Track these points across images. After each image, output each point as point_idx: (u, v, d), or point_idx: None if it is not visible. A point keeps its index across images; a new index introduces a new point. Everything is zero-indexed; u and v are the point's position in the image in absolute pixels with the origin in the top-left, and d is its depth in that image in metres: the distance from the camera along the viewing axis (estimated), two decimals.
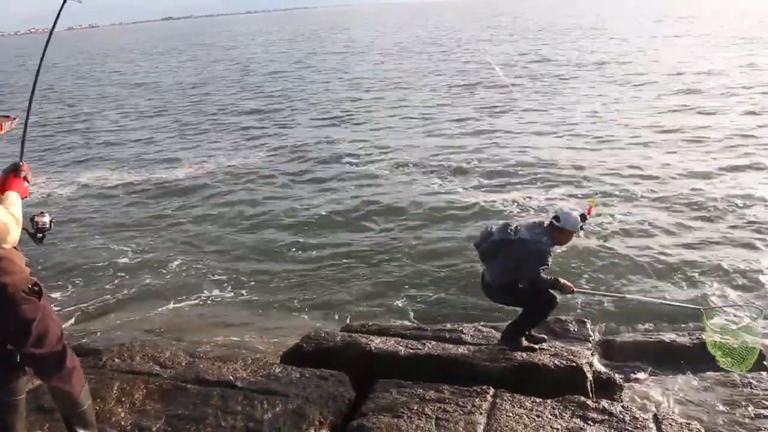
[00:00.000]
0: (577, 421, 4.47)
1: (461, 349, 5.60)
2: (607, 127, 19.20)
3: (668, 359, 6.33)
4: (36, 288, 3.45)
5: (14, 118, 3.91)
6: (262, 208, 13.74)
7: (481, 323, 6.31)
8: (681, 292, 8.72)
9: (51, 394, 3.81)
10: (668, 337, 6.75)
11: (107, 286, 10.01)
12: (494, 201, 12.85)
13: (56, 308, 8.39)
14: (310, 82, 36.41)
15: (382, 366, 5.37)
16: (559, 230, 5.28)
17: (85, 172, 17.88)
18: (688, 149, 15.99)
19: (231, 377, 5.06)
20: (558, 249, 5.58)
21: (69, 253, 11.51)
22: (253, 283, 9.92)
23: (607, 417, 4.50)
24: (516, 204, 12.63)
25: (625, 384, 5.77)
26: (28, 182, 3.67)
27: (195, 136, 22.67)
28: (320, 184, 15.33)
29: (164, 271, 10.54)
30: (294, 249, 11.24)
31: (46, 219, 3.71)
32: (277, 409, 4.59)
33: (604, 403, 4.70)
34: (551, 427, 4.42)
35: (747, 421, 5.09)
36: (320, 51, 61.09)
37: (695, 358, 6.16)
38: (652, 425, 4.43)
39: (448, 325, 6.27)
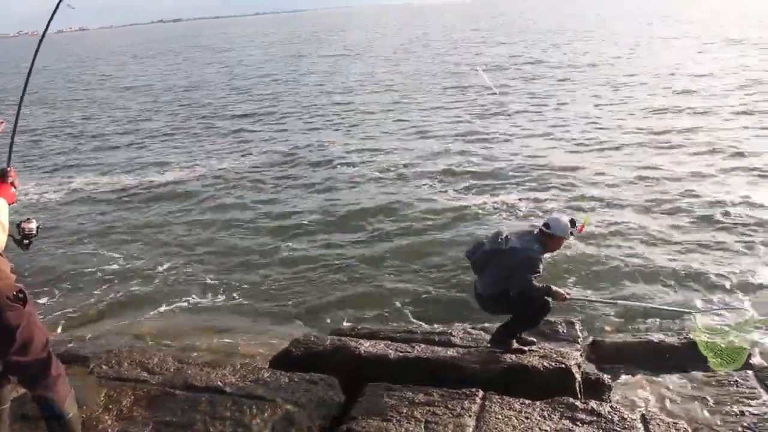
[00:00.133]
0: (566, 422, 4.49)
1: (450, 352, 5.61)
2: (598, 129, 19.28)
3: (656, 359, 6.38)
4: (21, 295, 3.43)
5: (1, 122, 3.89)
6: (252, 212, 13.71)
7: (471, 325, 6.33)
8: (671, 295, 8.76)
9: (35, 402, 3.77)
10: (656, 337, 6.81)
11: (95, 292, 9.95)
12: (485, 204, 12.87)
13: (43, 315, 8.39)
14: (303, 85, 36.41)
15: (371, 369, 5.37)
16: (549, 237, 5.32)
17: (75, 177, 17.79)
18: (677, 152, 16.03)
19: (220, 383, 5.04)
20: (548, 255, 5.60)
21: (57, 258, 11.45)
22: (242, 287, 9.89)
23: (595, 418, 4.52)
24: (506, 207, 12.64)
25: (614, 384, 5.81)
26: (15, 188, 3.66)
27: (185, 139, 22.62)
28: (311, 188, 15.30)
29: (153, 276, 10.50)
30: (284, 253, 11.22)
31: (33, 225, 3.69)
32: (266, 414, 4.58)
33: (593, 403, 4.72)
34: (540, 428, 4.43)
35: (733, 419, 5.14)
36: (313, 53, 61.10)
37: (683, 358, 6.21)
38: (640, 425, 4.45)
39: (438, 328, 6.29)
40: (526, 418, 4.55)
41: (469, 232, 11.33)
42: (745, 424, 5.05)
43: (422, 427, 4.47)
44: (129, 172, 18.11)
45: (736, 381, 5.65)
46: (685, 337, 6.68)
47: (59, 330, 8.54)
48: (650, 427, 4.44)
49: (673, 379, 5.90)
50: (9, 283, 3.39)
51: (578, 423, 4.47)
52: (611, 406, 4.71)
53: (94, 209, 14.63)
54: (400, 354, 5.57)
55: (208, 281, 10.15)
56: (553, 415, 4.56)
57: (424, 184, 14.73)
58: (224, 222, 13.11)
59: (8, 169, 3.65)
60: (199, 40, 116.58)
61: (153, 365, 5.38)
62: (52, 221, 13.47)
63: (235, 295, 9.68)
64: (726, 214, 11.45)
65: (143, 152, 20.93)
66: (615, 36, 53.62)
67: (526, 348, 5.54)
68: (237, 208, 14.03)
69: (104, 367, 5.37)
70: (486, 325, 6.19)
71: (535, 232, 5.41)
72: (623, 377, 6.13)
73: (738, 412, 5.21)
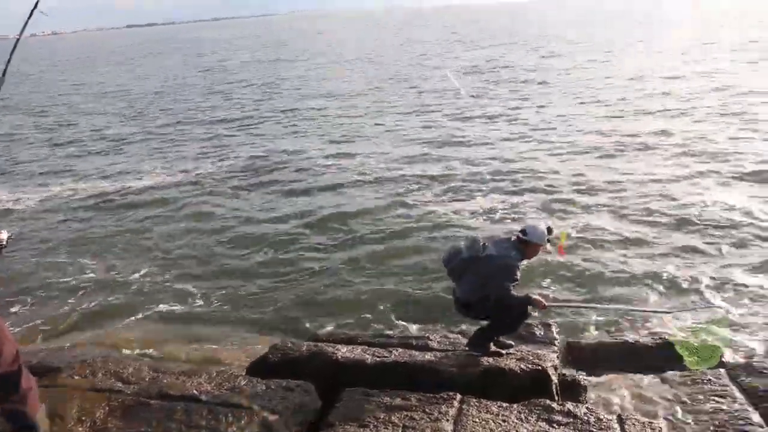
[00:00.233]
0: (543, 424, 4.51)
1: (428, 356, 5.61)
2: (574, 132, 19.46)
3: (632, 360, 6.46)
4: None
5: None
6: (229, 218, 13.62)
7: (449, 329, 6.35)
8: (646, 297, 8.85)
9: (4, 416, 3.70)
10: (631, 338, 6.90)
11: (70, 301, 9.82)
12: (462, 209, 12.90)
13: (14, 326, 8.26)
14: (279, 89, 36.27)
15: (348, 375, 5.35)
16: (526, 243, 5.36)
17: (50, 184, 17.55)
18: (649, 155, 16.22)
19: (195, 391, 4.98)
20: (525, 263, 5.63)
21: (30, 267, 11.27)
22: (220, 294, 9.82)
23: (572, 419, 4.55)
24: (482, 212, 12.69)
25: (590, 385, 5.86)
26: None
27: (161, 145, 22.44)
28: (288, 193, 15.25)
29: (129, 284, 10.38)
30: (261, 259, 11.16)
31: (3, 236, 3.65)
32: (243, 422, 4.53)
33: (570, 405, 4.75)
34: (517, 431, 4.45)
35: (707, 417, 5.20)
36: (291, 58, 60.90)
37: (658, 358, 6.31)
38: (616, 425, 4.49)
39: (415, 332, 6.31)
40: (504, 421, 4.57)
41: (445, 236, 11.35)
42: (719, 421, 5.12)
43: (400, 431, 4.47)
44: (105, 178, 17.93)
45: (710, 379, 5.72)
46: (660, 338, 6.79)
47: (32, 341, 8.39)
48: (626, 427, 4.48)
49: (648, 379, 5.96)
50: None
51: (555, 425, 4.49)
52: (587, 408, 4.75)
53: (70, 217, 14.44)
54: (378, 359, 5.56)
55: (185, 288, 10.05)
56: (530, 418, 4.59)
57: (401, 189, 14.74)
58: (201, 228, 13.00)
59: None
60: (169, 45, 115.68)
61: (128, 375, 5.30)
62: (26, 229, 13.28)
63: (212, 302, 9.60)
64: (698, 215, 11.61)
65: (119, 158, 20.72)
66: (594, 41, 54.22)
67: (503, 351, 5.56)
68: (214, 214, 13.93)
69: (77, 377, 5.28)
70: (463, 328, 6.22)
71: (512, 239, 5.43)
72: (600, 378, 6.18)
73: (711, 410, 5.28)
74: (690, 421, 5.20)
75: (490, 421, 4.56)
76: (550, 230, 5.41)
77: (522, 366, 5.31)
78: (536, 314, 5.67)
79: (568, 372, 5.92)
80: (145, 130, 25.60)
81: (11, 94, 42.89)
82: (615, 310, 7.98)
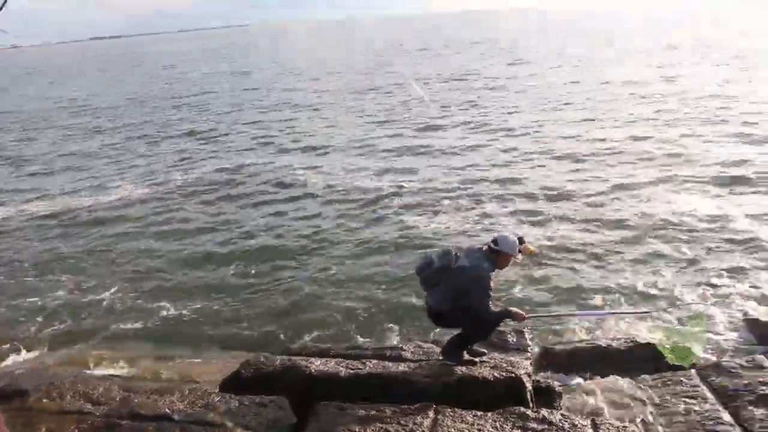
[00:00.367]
0: None
1: (402, 367, 5.58)
2: (540, 140, 19.69)
3: (604, 364, 6.54)
4: None
5: None
6: (198, 234, 13.47)
7: (422, 339, 6.34)
8: (620, 301, 8.95)
9: None
10: (604, 342, 6.96)
11: (38, 320, 9.64)
12: (432, 220, 12.96)
13: None
14: (245, 102, 35.98)
15: (321, 389, 5.30)
16: (497, 254, 5.34)
17: (13, 204, 17.12)
18: (615, 162, 16.42)
19: (168, 410, 4.90)
20: (497, 273, 5.63)
21: None
22: (191, 310, 9.70)
23: (546, 426, 4.57)
24: (452, 222, 12.71)
25: (564, 390, 5.89)
26: None
27: (129, 159, 22.09)
28: (257, 207, 15.13)
29: (98, 302, 10.21)
30: (232, 274, 11.07)
31: None
32: None
33: (544, 412, 4.78)
34: None
35: (679, 418, 5.29)
36: (261, 69, 60.62)
37: (629, 362, 6.40)
38: (591, 430, 4.53)
39: (389, 342, 6.27)
40: (479, 430, 4.57)
41: (416, 246, 11.40)
42: (690, 421, 5.20)
43: None
44: (71, 194, 17.60)
45: (681, 380, 5.81)
46: (632, 341, 6.88)
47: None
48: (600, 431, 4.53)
49: (621, 382, 6.03)
50: None
51: None
52: (562, 414, 4.78)
53: (36, 236, 14.13)
54: (351, 371, 5.52)
55: (156, 305, 9.92)
56: (505, 426, 4.60)
57: (370, 199, 14.74)
58: (170, 244, 12.85)
59: None
60: (134, 58, 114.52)
61: (97, 395, 5.20)
62: None
63: (184, 318, 9.49)
64: (668, 220, 11.80)
65: (84, 174, 20.35)
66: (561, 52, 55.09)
67: (477, 359, 5.55)
68: (182, 229, 13.79)
69: (45, 400, 5.16)
70: (436, 336, 6.22)
71: (484, 249, 5.42)
72: (573, 383, 6.24)
73: (684, 411, 5.36)
74: (662, 422, 5.28)
75: (465, 431, 4.56)
76: (521, 240, 5.43)
77: (496, 374, 5.32)
78: (511, 322, 5.66)
79: (543, 378, 5.95)
80: (109, 145, 25.21)
81: None
82: (592, 316, 8.06)
